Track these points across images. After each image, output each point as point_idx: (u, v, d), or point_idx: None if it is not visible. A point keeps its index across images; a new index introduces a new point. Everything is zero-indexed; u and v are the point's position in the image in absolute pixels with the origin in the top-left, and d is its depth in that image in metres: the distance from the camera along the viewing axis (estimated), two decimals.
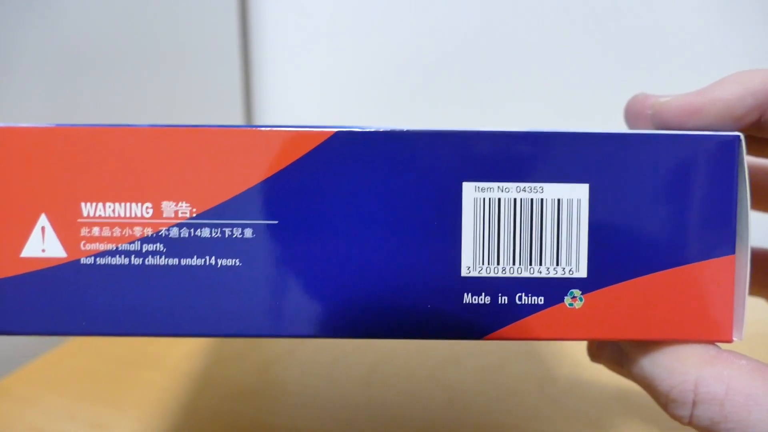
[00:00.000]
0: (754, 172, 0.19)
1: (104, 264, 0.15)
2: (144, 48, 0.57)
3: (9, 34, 0.41)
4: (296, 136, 0.15)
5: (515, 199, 0.15)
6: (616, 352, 0.17)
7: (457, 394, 0.29)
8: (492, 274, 0.15)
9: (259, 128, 0.15)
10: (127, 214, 0.15)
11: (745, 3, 0.54)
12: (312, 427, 0.28)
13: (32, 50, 0.43)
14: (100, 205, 0.15)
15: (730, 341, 0.15)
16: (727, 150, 0.15)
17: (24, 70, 0.42)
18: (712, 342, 0.15)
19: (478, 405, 0.29)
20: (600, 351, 0.19)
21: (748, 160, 0.15)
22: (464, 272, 0.15)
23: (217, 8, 0.61)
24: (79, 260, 0.15)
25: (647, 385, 0.16)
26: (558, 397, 0.29)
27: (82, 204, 0.15)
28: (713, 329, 0.15)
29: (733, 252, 0.15)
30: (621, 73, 0.58)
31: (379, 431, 0.27)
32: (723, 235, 0.15)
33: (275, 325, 0.15)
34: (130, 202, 0.15)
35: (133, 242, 0.15)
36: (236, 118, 0.61)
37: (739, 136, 0.15)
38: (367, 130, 0.15)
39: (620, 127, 0.19)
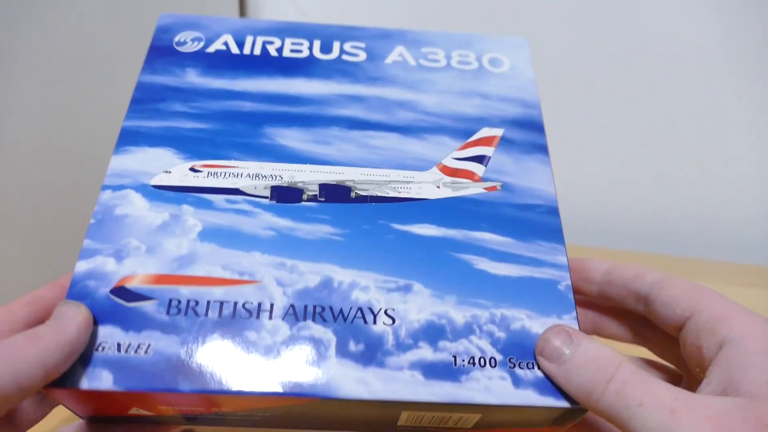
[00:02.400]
0: None
1: None
2: (143, 47, 0.57)
3: (9, 34, 0.40)
4: None
5: None
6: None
7: None
8: None
9: None
10: None
11: (745, 3, 0.53)
12: None
13: (32, 50, 0.43)
14: None
15: None
16: None
17: (24, 70, 0.42)
18: None
19: None
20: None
21: None
22: None
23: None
24: None
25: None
26: None
27: None
28: None
29: None
30: (621, 73, 0.58)
31: None
32: None
33: None
34: None
35: None
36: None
37: None
38: None
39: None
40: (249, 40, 0.33)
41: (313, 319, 0.25)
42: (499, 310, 0.26)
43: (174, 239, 0.26)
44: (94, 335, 0.24)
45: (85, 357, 0.23)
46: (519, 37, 0.35)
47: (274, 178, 0.28)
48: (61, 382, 0.22)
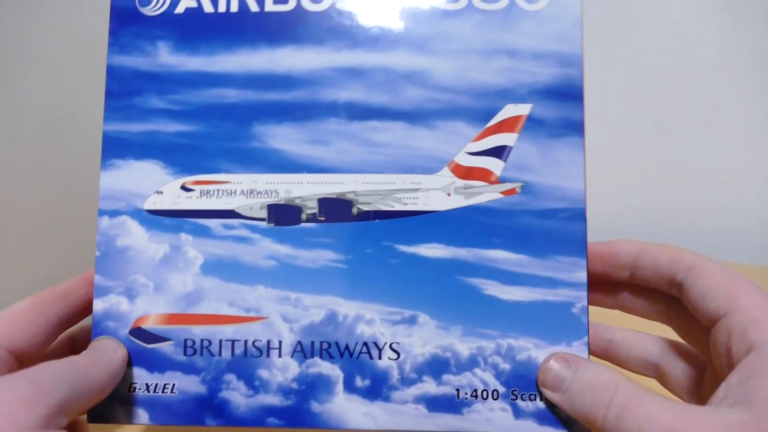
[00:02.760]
0: None
1: None
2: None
3: (9, 34, 0.39)
4: None
5: None
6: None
7: None
8: None
9: None
10: None
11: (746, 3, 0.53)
12: None
13: (32, 50, 0.42)
14: None
15: None
16: None
17: (24, 70, 0.41)
18: None
19: None
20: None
21: None
22: None
23: None
24: None
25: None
26: None
27: None
28: None
29: None
30: (620, 73, 0.57)
31: None
32: None
33: None
34: None
35: None
36: None
37: None
38: None
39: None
40: None
41: (321, 356, 0.26)
42: (506, 340, 0.25)
43: (179, 275, 0.26)
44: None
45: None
46: None
47: (269, 194, 0.26)
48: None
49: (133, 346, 0.26)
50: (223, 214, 0.27)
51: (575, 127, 0.26)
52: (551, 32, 0.26)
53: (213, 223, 0.27)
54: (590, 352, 0.27)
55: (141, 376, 0.26)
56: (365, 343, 0.26)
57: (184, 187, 0.27)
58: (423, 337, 0.26)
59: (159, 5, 0.28)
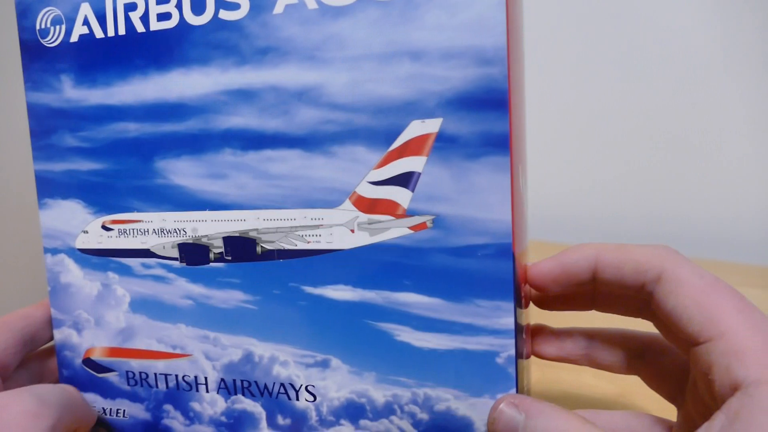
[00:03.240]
0: None
1: None
2: None
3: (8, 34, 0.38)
4: None
5: None
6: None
7: None
8: None
9: None
10: None
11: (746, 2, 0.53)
12: None
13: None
14: None
15: None
16: None
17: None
18: None
19: None
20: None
21: None
22: None
23: None
24: None
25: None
26: None
27: None
28: None
29: None
30: (620, 72, 0.58)
31: None
32: None
33: None
34: None
35: None
36: None
37: None
38: None
39: None
40: (109, 7, 0.25)
41: (243, 394, 0.26)
42: (423, 390, 0.23)
43: (112, 311, 0.27)
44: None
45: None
46: None
47: (178, 232, 0.25)
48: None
49: (87, 374, 0.28)
50: (140, 253, 0.26)
51: (499, 143, 0.21)
52: (465, 21, 0.21)
53: (133, 262, 0.26)
54: (572, 362, 0.24)
55: (97, 401, 0.28)
56: (282, 384, 0.25)
57: (104, 227, 0.27)
58: (337, 382, 0.24)
59: (56, 35, 0.26)
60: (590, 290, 0.23)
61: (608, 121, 0.62)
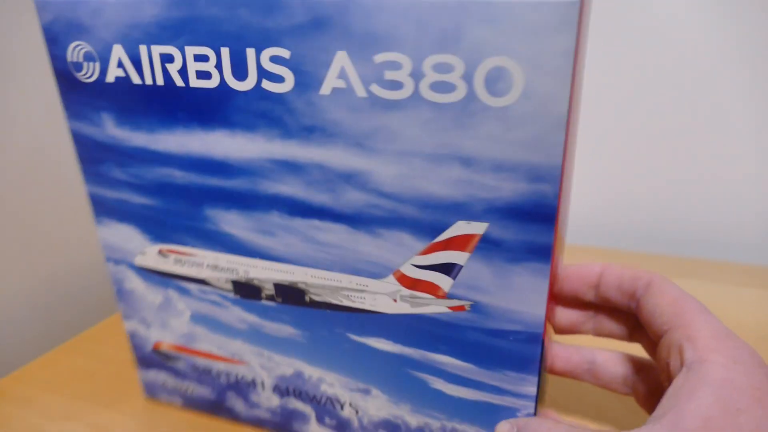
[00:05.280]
0: None
1: None
2: None
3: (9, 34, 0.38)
4: None
5: None
6: None
7: None
8: None
9: None
10: None
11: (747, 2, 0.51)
12: None
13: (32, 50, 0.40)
14: None
15: None
16: None
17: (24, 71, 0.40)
18: None
19: None
20: None
21: None
22: None
23: None
24: None
25: None
26: None
27: None
28: None
29: None
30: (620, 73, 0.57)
31: None
32: None
33: None
34: None
35: None
36: None
37: None
38: None
39: None
40: (144, 54, 0.24)
41: (295, 397, 0.30)
42: (452, 423, 0.27)
43: (176, 319, 0.30)
44: (156, 376, 0.33)
45: (161, 389, 0.33)
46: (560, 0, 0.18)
47: (230, 271, 0.27)
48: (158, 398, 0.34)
49: (158, 359, 0.32)
50: (196, 281, 0.28)
51: (541, 253, 0.21)
52: (521, 137, 0.20)
53: (191, 286, 0.29)
54: (574, 377, 0.29)
55: (168, 381, 0.33)
56: (329, 398, 0.29)
57: (161, 253, 0.28)
58: (376, 405, 0.28)
59: (91, 72, 0.25)
60: (590, 302, 0.28)
61: (607, 121, 0.62)
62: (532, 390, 0.24)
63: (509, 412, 0.25)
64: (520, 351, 0.24)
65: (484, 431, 0.26)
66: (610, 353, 0.29)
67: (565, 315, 0.29)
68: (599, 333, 0.29)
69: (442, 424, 0.27)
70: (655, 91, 0.59)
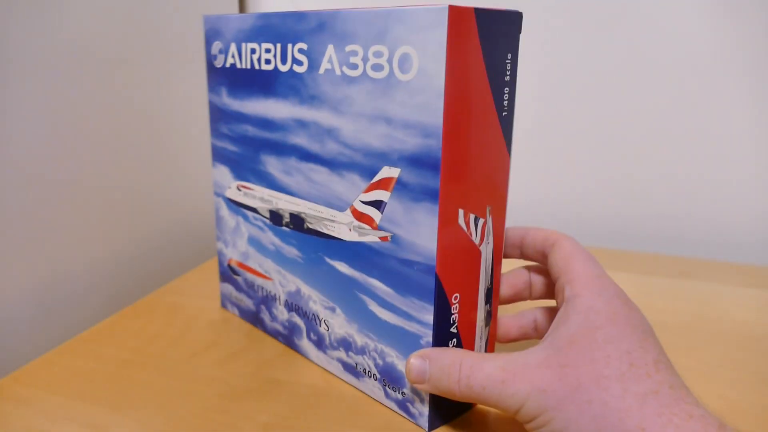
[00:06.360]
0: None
1: None
2: (145, 46, 0.56)
3: (9, 34, 0.39)
4: None
5: None
6: None
7: None
8: None
9: None
10: None
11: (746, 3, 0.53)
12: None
13: (32, 49, 0.41)
14: None
15: None
16: None
17: (24, 69, 0.41)
18: None
19: None
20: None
21: None
22: None
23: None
24: None
25: None
26: None
27: None
28: None
29: None
30: (621, 73, 0.59)
31: None
32: None
33: None
34: None
35: None
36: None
37: None
38: None
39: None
40: (244, 48, 0.38)
41: (296, 312, 0.39)
42: (380, 345, 0.34)
43: (240, 239, 0.43)
44: (226, 288, 0.45)
45: (228, 300, 0.46)
46: (436, 5, 0.26)
47: (269, 202, 0.39)
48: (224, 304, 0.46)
49: (228, 273, 0.45)
50: (252, 209, 0.41)
51: (430, 195, 0.29)
52: (418, 102, 0.28)
53: (249, 214, 0.41)
54: (527, 338, 0.36)
55: (233, 292, 0.45)
56: (314, 314, 0.38)
57: (238, 188, 0.42)
58: (339, 323, 0.36)
59: (221, 60, 0.40)
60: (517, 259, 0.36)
61: (608, 122, 0.62)
62: (429, 318, 0.30)
63: (415, 339, 0.31)
64: (420, 281, 0.30)
65: (400, 355, 0.33)
66: (546, 309, 0.36)
67: (506, 286, 0.35)
68: (536, 296, 0.35)
69: (375, 344, 0.34)
70: (655, 92, 0.59)
